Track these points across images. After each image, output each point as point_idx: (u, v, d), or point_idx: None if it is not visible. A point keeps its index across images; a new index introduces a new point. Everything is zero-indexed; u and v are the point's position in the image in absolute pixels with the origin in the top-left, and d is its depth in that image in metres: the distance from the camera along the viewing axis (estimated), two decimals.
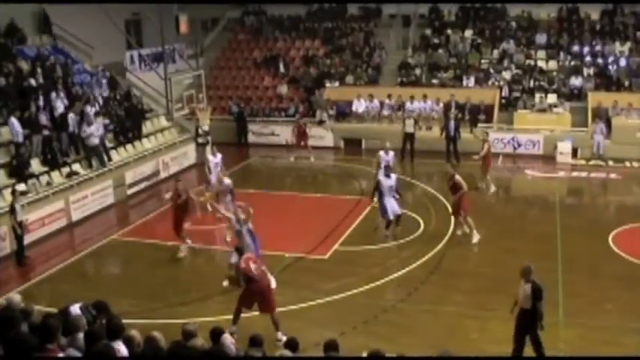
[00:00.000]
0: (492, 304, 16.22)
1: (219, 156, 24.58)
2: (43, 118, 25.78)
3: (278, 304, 16.08)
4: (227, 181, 21.15)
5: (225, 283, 17.76)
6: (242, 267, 14.91)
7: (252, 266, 14.87)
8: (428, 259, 19.32)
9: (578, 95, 33.54)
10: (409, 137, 30.94)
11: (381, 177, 21.08)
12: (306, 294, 17.06)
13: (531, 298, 13.17)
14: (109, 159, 27.00)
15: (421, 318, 16.05)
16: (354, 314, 16.13)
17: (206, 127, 31.58)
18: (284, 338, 14.08)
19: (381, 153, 23.75)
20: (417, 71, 36.76)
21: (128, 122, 29.61)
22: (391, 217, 20.92)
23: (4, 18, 29.23)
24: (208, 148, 30.96)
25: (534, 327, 13.34)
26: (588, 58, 35.42)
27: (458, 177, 20.82)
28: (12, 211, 20.07)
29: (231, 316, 15.25)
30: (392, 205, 20.91)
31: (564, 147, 30.41)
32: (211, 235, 21.79)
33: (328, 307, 16.64)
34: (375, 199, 21.49)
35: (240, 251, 15.56)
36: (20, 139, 24.19)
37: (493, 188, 26.46)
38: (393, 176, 21.24)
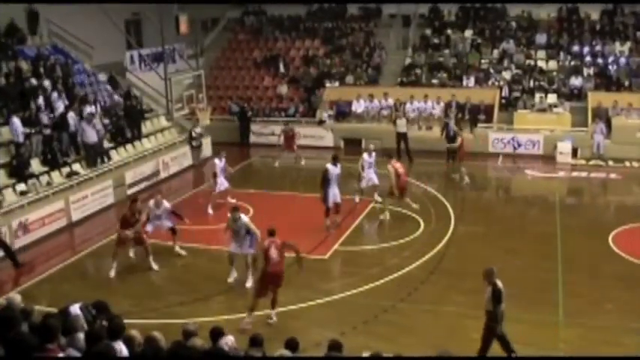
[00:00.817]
0: None
1: (224, 160, 24.73)
2: (44, 118, 25.87)
3: (278, 304, 16.14)
4: (166, 204, 20.23)
5: (230, 280, 18.07)
6: (265, 245, 15.58)
7: (273, 249, 15.46)
8: (428, 259, 19.32)
9: (578, 95, 33.54)
10: (402, 137, 30.89)
11: (329, 165, 21.90)
12: (306, 294, 17.06)
13: (492, 301, 13.23)
14: (109, 158, 27.03)
15: (421, 318, 16.06)
16: (354, 314, 16.14)
17: (199, 130, 31.70)
18: (275, 318, 15.51)
19: (365, 155, 24.28)
20: (417, 71, 36.74)
21: (127, 122, 29.61)
22: (330, 205, 21.66)
23: (5, 18, 29.27)
24: (204, 148, 31.65)
25: (494, 328, 13.37)
26: (588, 58, 35.44)
27: (392, 164, 22.56)
28: None
29: (230, 316, 15.42)
30: (334, 194, 21.72)
31: (564, 147, 30.41)
32: (211, 235, 21.75)
33: (328, 307, 16.66)
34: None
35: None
36: (21, 138, 24.24)
37: (467, 180, 27.31)
38: (339, 165, 22.10)
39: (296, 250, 16.08)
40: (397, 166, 22.70)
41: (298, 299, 16.84)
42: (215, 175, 24.37)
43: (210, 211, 24.23)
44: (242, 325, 15.22)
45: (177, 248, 20.40)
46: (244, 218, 17.77)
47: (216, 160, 24.73)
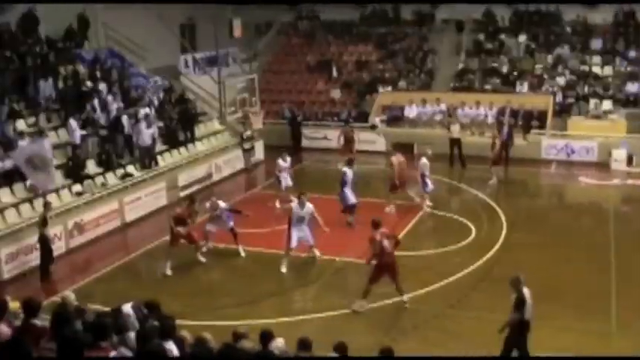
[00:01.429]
0: (544, 312, 16.01)
1: (288, 160, 25.49)
2: (100, 121, 26.34)
3: (329, 308, 16.31)
4: (222, 204, 20.64)
5: (284, 270, 19.03)
6: (377, 239, 16.35)
7: (385, 240, 16.37)
8: (479, 265, 19.19)
9: (634, 101, 32.98)
10: (456, 142, 30.73)
11: (346, 169, 23.47)
12: (357, 298, 17.06)
13: (514, 309, 13.13)
14: (156, 163, 27.32)
15: (471, 324, 15.94)
16: (404, 319, 16.13)
17: (249, 132, 31.94)
18: (407, 304, 16.64)
19: (425, 159, 24.62)
20: (470, 76, 36.51)
21: (181, 125, 29.92)
22: (352, 202, 23.04)
23: (64, 23, 29.89)
24: (256, 151, 32.33)
25: (518, 338, 13.26)
26: None
27: (393, 159, 24.59)
28: (45, 222, 19.60)
29: (282, 319, 15.51)
30: (352, 194, 23.07)
31: (619, 154, 29.91)
32: (264, 238, 21.87)
33: (379, 312, 16.64)
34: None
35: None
36: (77, 140, 24.72)
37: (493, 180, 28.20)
38: (354, 168, 24.06)
39: (397, 241, 16.99)
40: (401, 160, 24.49)
41: (349, 303, 16.86)
42: (280, 172, 25.17)
43: (277, 205, 24.65)
44: (354, 307, 16.41)
45: (240, 249, 20.75)
46: (310, 205, 19.23)
47: (280, 161, 25.34)
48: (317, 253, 19.74)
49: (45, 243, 19.64)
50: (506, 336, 13.35)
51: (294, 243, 19.13)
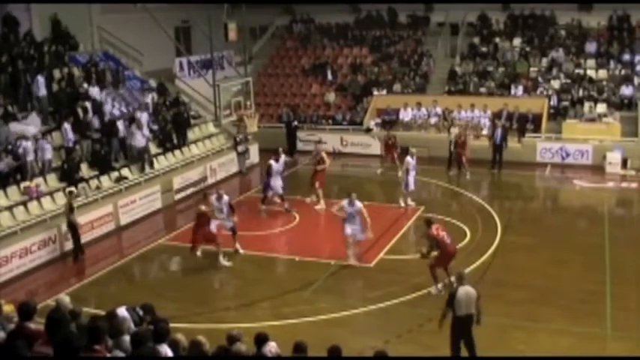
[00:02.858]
0: (539, 316, 16.08)
1: (281, 161, 25.22)
2: (94, 124, 26.29)
3: (323, 311, 16.26)
4: (226, 197, 20.84)
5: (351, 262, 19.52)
6: (434, 234, 17.32)
7: (442, 233, 17.40)
8: (474, 268, 19.12)
9: (629, 105, 33.02)
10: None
11: (272, 161, 24.74)
12: (352, 302, 17.07)
13: (446, 303, 13.49)
14: (152, 166, 27.29)
15: None
16: (399, 323, 16.09)
17: (242, 136, 31.89)
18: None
19: (408, 158, 24.95)
20: (465, 79, 36.49)
21: (174, 129, 29.83)
22: (270, 194, 24.74)
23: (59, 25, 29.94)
24: (250, 154, 32.47)
25: (460, 333, 13.50)
26: (639, 67, 34.86)
27: (323, 154, 26.13)
28: (71, 209, 20.65)
29: (275, 322, 15.58)
30: (276, 185, 24.54)
31: (614, 157, 29.91)
32: (258, 241, 21.86)
33: (373, 316, 16.63)
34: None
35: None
36: (71, 144, 24.66)
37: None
38: (281, 160, 25.08)
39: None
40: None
41: (343, 307, 16.85)
42: (269, 175, 24.81)
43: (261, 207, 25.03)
44: (434, 291, 17.37)
45: (237, 245, 20.82)
46: (359, 203, 19.56)
47: (272, 162, 25.09)
48: (355, 263, 19.78)
49: (74, 229, 20.80)
50: (450, 333, 13.54)
51: (348, 230, 19.53)
